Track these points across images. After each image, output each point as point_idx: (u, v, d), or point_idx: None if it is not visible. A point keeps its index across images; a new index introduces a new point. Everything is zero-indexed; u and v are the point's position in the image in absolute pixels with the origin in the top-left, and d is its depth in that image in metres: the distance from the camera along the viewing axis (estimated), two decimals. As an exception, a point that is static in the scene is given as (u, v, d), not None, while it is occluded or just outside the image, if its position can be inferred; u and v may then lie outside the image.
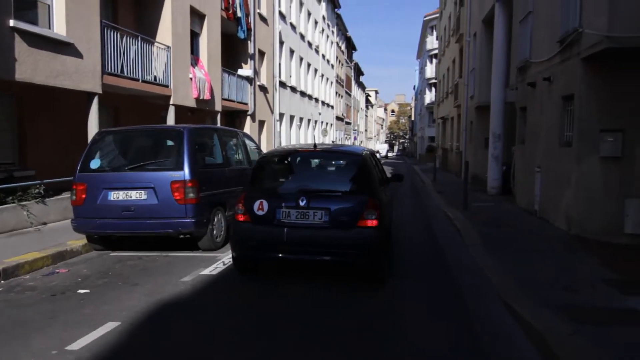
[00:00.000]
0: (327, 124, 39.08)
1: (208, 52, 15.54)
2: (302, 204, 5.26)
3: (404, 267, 6.53)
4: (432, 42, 51.90)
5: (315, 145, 5.96)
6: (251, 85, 19.66)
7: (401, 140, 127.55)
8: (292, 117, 27.52)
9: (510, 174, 12.40)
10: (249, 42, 19.35)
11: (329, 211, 5.20)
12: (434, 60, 51.70)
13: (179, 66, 13.40)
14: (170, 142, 7.17)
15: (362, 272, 5.73)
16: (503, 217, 9.95)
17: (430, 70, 52.67)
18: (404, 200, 14.49)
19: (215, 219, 7.22)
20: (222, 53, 18.59)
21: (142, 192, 6.60)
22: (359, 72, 63.50)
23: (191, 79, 14.05)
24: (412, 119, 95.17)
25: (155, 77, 12.62)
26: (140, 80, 11.51)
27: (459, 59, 23.81)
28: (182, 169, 6.62)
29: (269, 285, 5.72)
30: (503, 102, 14.21)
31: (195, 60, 14.89)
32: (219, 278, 5.93)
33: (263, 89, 21.65)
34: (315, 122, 34.55)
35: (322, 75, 36.74)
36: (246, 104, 19.48)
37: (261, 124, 22.10)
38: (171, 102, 13.09)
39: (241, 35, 18.09)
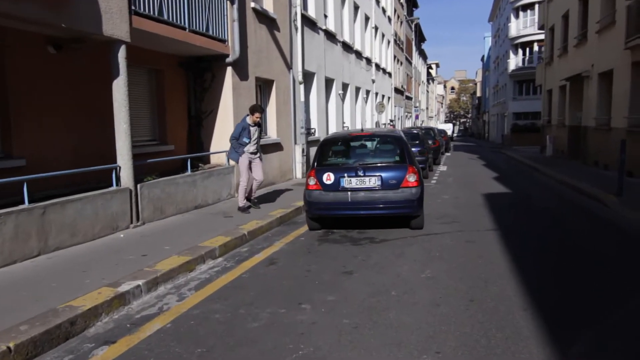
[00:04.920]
0: (383, 96, 28.46)
1: None
2: (360, 173, 6.81)
3: None
4: (518, -10, 39.73)
5: (362, 129, 8.08)
6: (232, 4, 9.65)
7: (462, 120, 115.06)
8: (329, 82, 17.31)
9: None
10: None
11: (381, 177, 6.79)
12: (521, 14, 39.66)
13: None
14: None
15: (407, 220, 7.11)
16: None
17: (516, 26, 40.45)
18: None
19: None
20: None
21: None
22: (420, 36, 51.87)
23: None
24: (478, 95, 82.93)
25: None
26: None
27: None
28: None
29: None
30: None
31: None
32: None
33: (267, 20, 11.59)
34: (368, 92, 24.06)
35: (377, 29, 26.06)
36: (222, 40, 9.51)
37: (266, 86, 12.11)
38: None
39: None
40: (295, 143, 13.42)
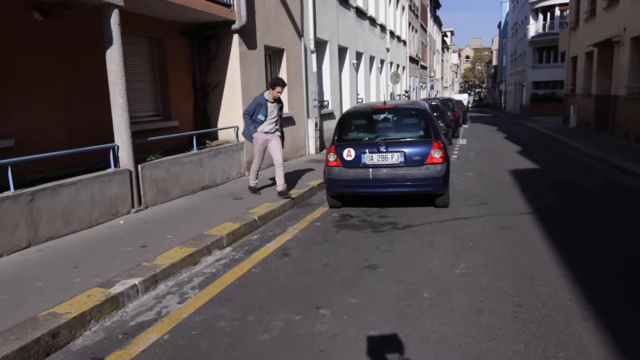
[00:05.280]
0: (397, 66, 27.37)
1: None
2: (382, 149, 6.43)
3: None
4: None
5: (384, 102, 7.45)
6: (239, -36, 8.83)
7: (477, 90, 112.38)
8: (342, 51, 16.42)
9: None
10: None
11: (404, 153, 6.41)
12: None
13: None
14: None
15: (432, 198, 6.71)
16: None
17: (538, -11, 38.46)
18: None
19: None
20: None
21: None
22: (435, 2, 49.89)
23: None
24: (495, 64, 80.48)
25: None
26: None
27: None
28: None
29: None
30: None
31: None
32: None
33: (276, -16, 10.74)
34: (382, 61, 23.05)
35: (391, -6, 24.82)
36: (227, 5, 8.76)
37: (276, 55, 11.36)
38: None
39: None
40: (308, 117, 12.72)
